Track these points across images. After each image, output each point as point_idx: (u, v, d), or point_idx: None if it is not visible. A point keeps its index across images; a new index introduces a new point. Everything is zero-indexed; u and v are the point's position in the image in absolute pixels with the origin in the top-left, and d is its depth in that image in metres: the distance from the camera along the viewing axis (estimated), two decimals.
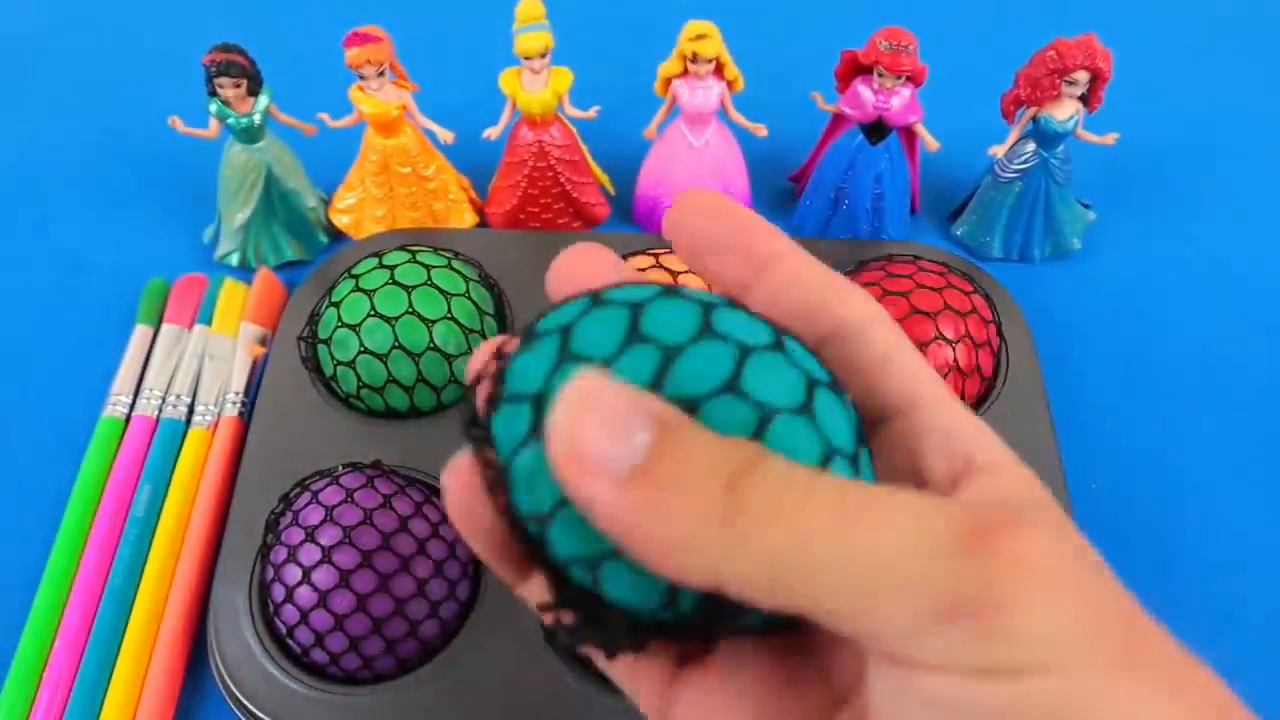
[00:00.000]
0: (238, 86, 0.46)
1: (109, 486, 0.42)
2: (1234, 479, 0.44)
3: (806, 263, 0.18)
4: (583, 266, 0.19)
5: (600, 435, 0.13)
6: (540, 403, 0.15)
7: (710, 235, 0.18)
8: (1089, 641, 0.12)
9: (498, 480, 0.16)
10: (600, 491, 0.13)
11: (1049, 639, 0.12)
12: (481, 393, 0.16)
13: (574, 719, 0.35)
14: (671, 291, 0.16)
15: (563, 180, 0.51)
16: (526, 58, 0.46)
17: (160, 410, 0.45)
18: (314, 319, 0.45)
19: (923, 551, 0.13)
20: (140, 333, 0.47)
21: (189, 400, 0.45)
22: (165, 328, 0.47)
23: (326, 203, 0.53)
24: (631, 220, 0.55)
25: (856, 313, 0.17)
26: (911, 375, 0.17)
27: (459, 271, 0.44)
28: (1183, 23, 0.66)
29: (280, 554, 0.36)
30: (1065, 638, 0.12)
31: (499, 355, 0.17)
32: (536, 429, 0.15)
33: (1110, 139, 0.49)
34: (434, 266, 0.43)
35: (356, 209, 0.52)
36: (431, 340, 0.41)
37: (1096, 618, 0.13)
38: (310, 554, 0.35)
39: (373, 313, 0.41)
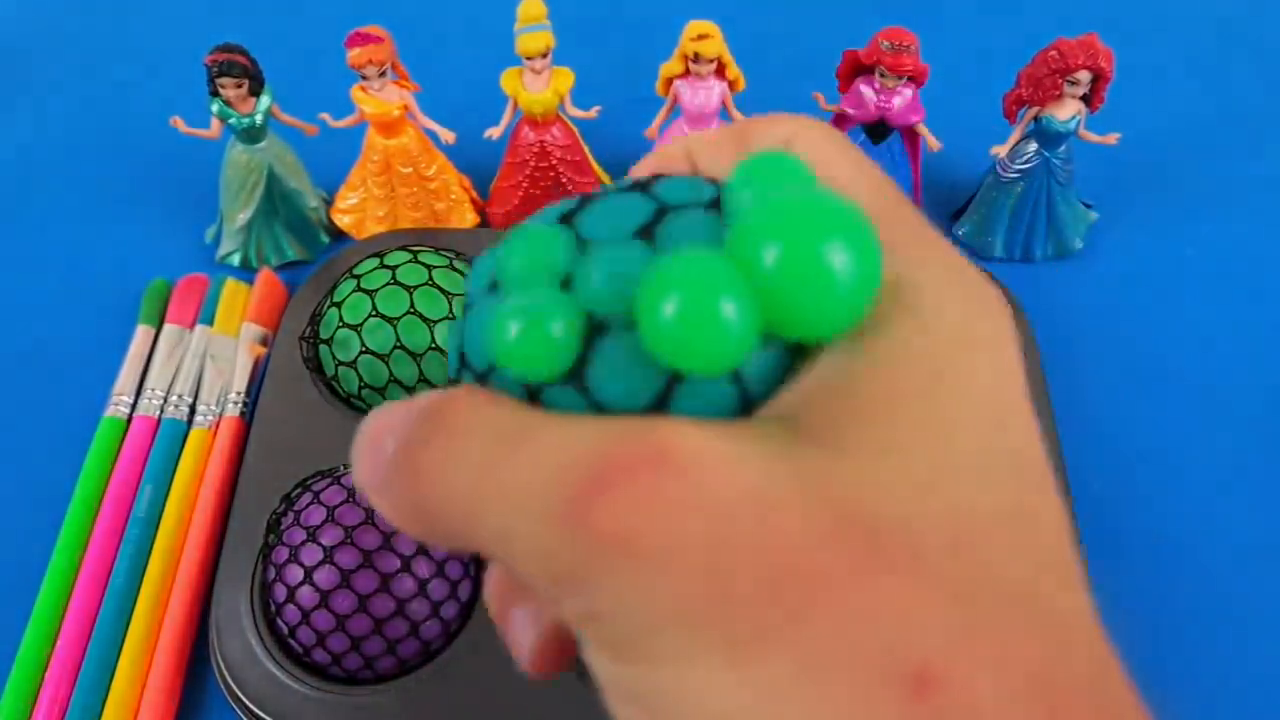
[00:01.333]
0: (239, 87, 0.46)
1: (110, 487, 0.42)
2: (1236, 479, 0.44)
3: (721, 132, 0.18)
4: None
5: (360, 459, 0.15)
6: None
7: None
8: (691, 625, 0.11)
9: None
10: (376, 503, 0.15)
11: (648, 628, 0.11)
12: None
13: None
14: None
15: (564, 180, 0.51)
16: (528, 57, 0.46)
17: (162, 410, 0.45)
18: (315, 319, 0.45)
19: (535, 511, 0.12)
20: (142, 333, 0.47)
21: (190, 400, 0.45)
22: (167, 328, 0.47)
23: (328, 203, 0.53)
24: None
25: (775, 139, 0.17)
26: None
27: (460, 272, 0.44)
28: (1185, 22, 0.66)
29: (282, 554, 0.36)
30: (664, 624, 0.11)
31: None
32: None
33: (1112, 139, 0.49)
34: (435, 267, 0.43)
35: (358, 209, 0.52)
36: (433, 340, 0.41)
37: (702, 590, 0.11)
38: (312, 554, 0.35)
39: (374, 313, 0.41)
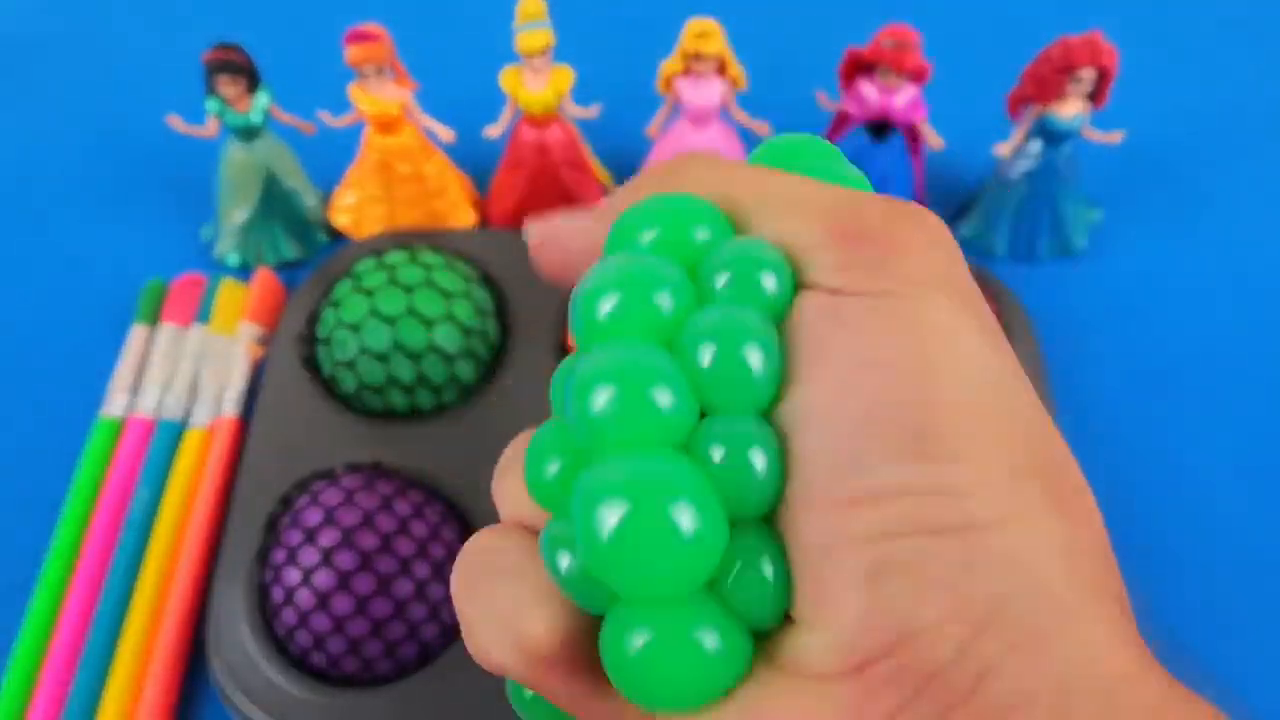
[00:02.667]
0: (236, 84, 0.45)
1: (106, 488, 0.42)
2: (1240, 480, 0.44)
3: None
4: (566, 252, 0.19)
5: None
6: None
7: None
8: (957, 293, 0.14)
9: None
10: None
11: (928, 278, 0.14)
12: None
13: None
14: None
15: (564, 179, 0.51)
16: (528, 56, 0.46)
17: (158, 411, 0.44)
18: (313, 319, 0.44)
19: (823, 193, 0.15)
20: (138, 332, 0.47)
21: (187, 401, 0.45)
22: (163, 327, 0.47)
23: (326, 202, 0.53)
24: None
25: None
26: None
27: (459, 271, 0.44)
28: (1189, 20, 0.66)
29: (280, 556, 0.36)
30: (939, 282, 0.14)
31: None
32: None
33: (1116, 137, 0.48)
34: (434, 266, 0.43)
35: (356, 208, 0.51)
36: (431, 340, 0.41)
37: (967, 280, 0.15)
38: (310, 556, 0.35)
39: (372, 313, 0.41)
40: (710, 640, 0.13)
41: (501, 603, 0.15)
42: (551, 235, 0.18)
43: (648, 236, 0.15)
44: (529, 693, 0.16)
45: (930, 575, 0.12)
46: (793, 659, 0.13)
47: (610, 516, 0.12)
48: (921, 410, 0.13)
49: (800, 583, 0.13)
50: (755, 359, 0.14)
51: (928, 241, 0.15)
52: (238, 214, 0.50)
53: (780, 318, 0.15)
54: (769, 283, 0.14)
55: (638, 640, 0.13)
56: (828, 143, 0.17)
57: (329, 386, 0.43)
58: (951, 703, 0.12)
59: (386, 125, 0.48)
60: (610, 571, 0.13)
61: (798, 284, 0.15)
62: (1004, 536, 0.12)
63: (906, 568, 0.12)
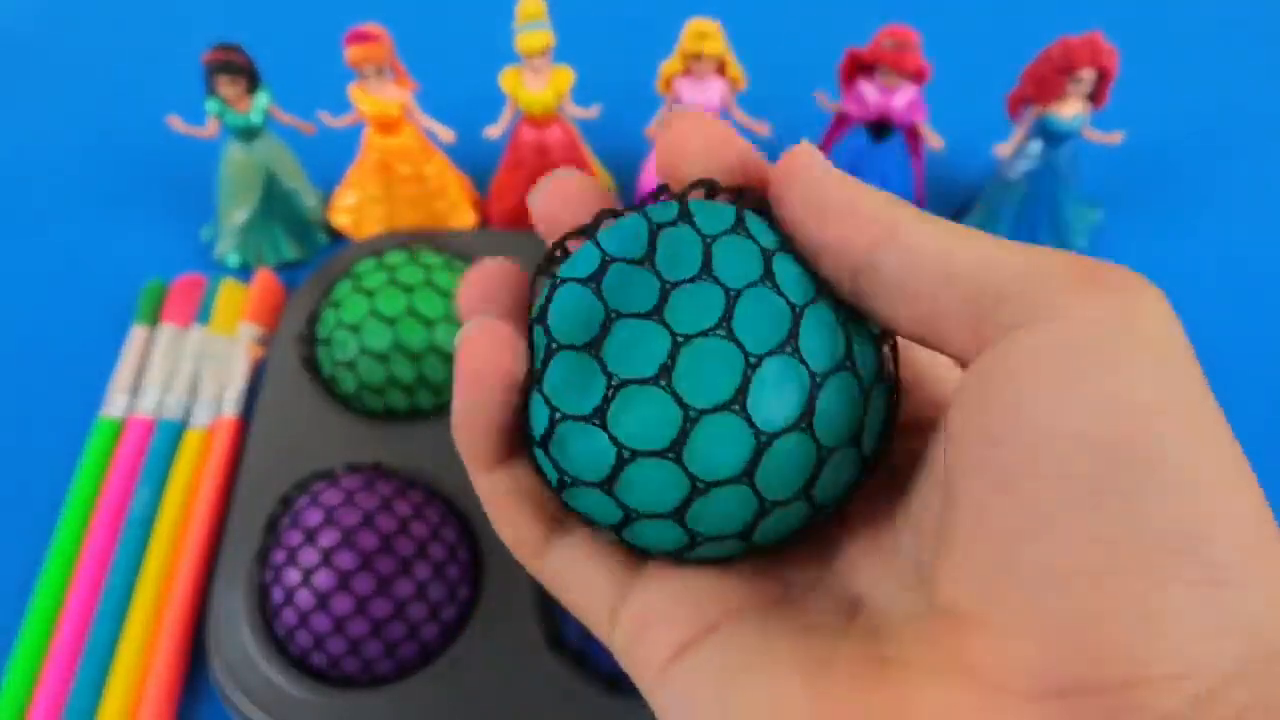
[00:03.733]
0: (236, 85, 0.45)
1: (106, 488, 0.42)
2: None
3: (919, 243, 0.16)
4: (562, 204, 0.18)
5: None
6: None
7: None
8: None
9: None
10: None
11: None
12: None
13: None
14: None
15: None
16: (527, 56, 0.46)
17: (158, 411, 0.44)
18: (313, 319, 0.44)
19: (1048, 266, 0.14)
20: (138, 333, 0.47)
21: (187, 401, 0.45)
22: (164, 328, 0.47)
23: (326, 202, 0.52)
24: None
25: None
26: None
27: (459, 271, 0.44)
28: (1189, 20, 0.66)
29: (280, 556, 0.36)
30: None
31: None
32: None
33: (1116, 137, 0.48)
34: (434, 266, 0.43)
35: (356, 209, 0.51)
36: (431, 341, 0.41)
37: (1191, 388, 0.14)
38: (310, 556, 0.35)
39: (372, 313, 0.41)
40: None
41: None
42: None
43: None
44: None
45: (1179, 626, 0.12)
46: (977, 665, 0.13)
47: None
48: (1147, 447, 0.12)
49: (1011, 600, 0.13)
50: None
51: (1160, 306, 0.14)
52: (238, 214, 0.50)
53: None
54: None
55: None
56: None
57: (329, 387, 0.43)
58: None
59: (386, 126, 0.48)
60: None
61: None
62: (1255, 595, 0.12)
63: (1153, 613, 0.12)
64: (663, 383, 0.14)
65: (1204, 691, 0.11)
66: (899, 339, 0.17)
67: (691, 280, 0.15)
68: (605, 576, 0.17)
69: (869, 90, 0.47)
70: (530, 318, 0.16)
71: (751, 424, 0.14)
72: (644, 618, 0.16)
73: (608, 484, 0.15)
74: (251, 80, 0.46)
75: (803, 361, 0.15)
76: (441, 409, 0.42)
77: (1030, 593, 0.12)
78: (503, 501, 0.17)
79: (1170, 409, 0.13)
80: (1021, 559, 0.13)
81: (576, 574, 0.17)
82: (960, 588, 0.13)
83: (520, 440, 0.17)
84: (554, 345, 0.15)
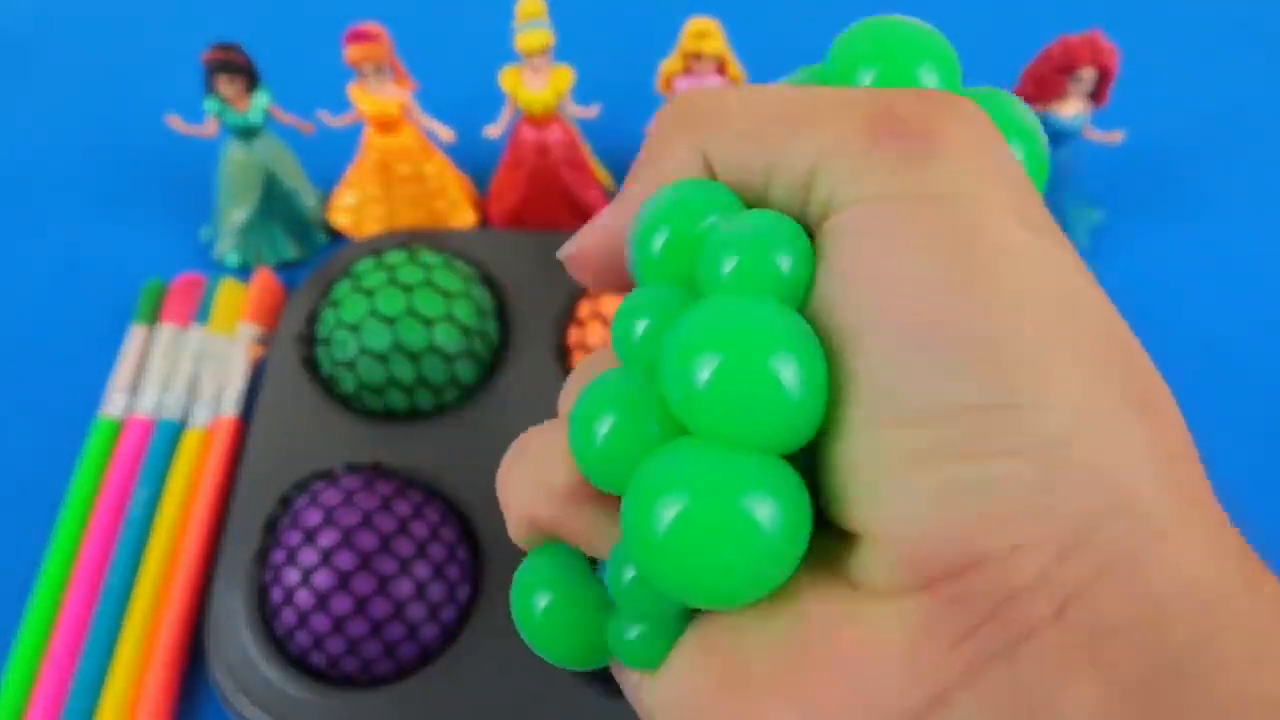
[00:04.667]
0: (235, 84, 0.45)
1: (105, 488, 0.42)
2: (1244, 479, 0.44)
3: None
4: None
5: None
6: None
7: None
8: (1002, 190, 0.13)
9: None
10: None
11: (970, 174, 0.13)
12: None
13: None
14: None
15: (564, 179, 0.51)
16: (527, 55, 0.46)
17: (157, 411, 0.44)
18: (313, 319, 0.44)
19: (867, 91, 0.14)
20: (137, 332, 0.47)
21: (186, 401, 0.45)
22: (163, 328, 0.47)
23: (325, 202, 0.52)
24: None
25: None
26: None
27: (459, 271, 0.44)
28: (1190, 19, 0.66)
29: (279, 556, 0.36)
30: (985, 180, 0.13)
31: None
32: None
33: (1117, 137, 0.48)
34: (434, 266, 0.43)
35: (356, 208, 0.51)
36: (431, 341, 0.41)
37: (1014, 177, 0.13)
38: (309, 556, 0.35)
39: (372, 313, 0.41)
40: (764, 511, 0.12)
41: (534, 457, 0.16)
42: (577, 247, 0.17)
43: (659, 241, 0.15)
44: (630, 632, 0.15)
45: (1006, 497, 0.11)
46: (852, 577, 0.13)
47: (706, 367, 0.12)
48: (977, 320, 0.12)
49: (856, 503, 0.12)
50: (785, 264, 0.13)
51: (971, 135, 0.13)
52: (237, 214, 0.49)
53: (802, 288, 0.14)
54: (784, 263, 0.13)
55: (669, 510, 0.12)
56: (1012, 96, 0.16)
57: (329, 387, 0.43)
58: (1030, 629, 0.11)
59: (386, 125, 0.48)
60: (701, 416, 0.12)
61: (833, 203, 0.13)
62: (1084, 449, 0.11)
63: (978, 489, 0.11)
64: None
65: (1050, 557, 0.11)
66: None
67: None
68: None
69: None
70: None
71: None
72: None
73: None
74: (251, 79, 0.46)
75: None
76: (441, 409, 0.42)
77: (874, 483, 0.12)
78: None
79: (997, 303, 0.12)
80: (851, 458, 0.13)
81: None
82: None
83: None
84: None
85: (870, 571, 0.12)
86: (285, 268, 0.51)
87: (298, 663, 0.36)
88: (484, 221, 0.53)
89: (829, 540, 0.13)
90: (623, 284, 0.16)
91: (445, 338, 0.41)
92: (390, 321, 0.41)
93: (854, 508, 0.13)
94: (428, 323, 0.41)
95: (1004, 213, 0.13)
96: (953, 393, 0.12)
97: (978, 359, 0.12)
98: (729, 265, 0.13)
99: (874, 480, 0.12)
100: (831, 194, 0.13)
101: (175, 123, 0.47)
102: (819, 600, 0.13)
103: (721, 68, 0.47)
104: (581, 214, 0.53)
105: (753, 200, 0.15)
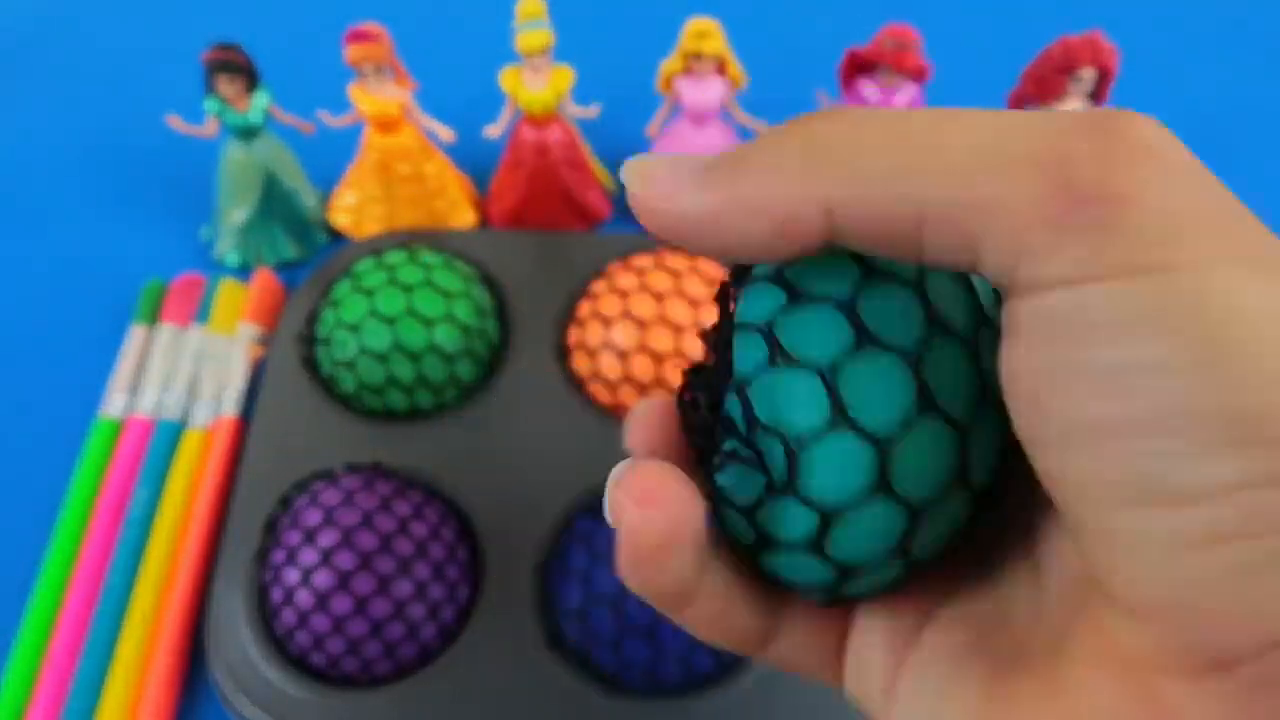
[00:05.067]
0: (235, 84, 0.45)
1: (105, 488, 0.42)
2: None
3: None
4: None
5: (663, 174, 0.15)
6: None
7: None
8: (1214, 236, 0.12)
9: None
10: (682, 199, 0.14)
11: (1173, 232, 0.11)
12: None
13: None
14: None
15: (564, 179, 0.51)
16: (527, 55, 0.46)
17: (157, 411, 0.44)
18: (313, 319, 0.44)
19: (1033, 132, 0.12)
20: (137, 332, 0.47)
21: (186, 401, 0.45)
22: (163, 327, 0.47)
23: (325, 202, 0.52)
24: (633, 219, 0.54)
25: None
26: None
27: (459, 271, 0.44)
28: (1189, 19, 0.66)
29: (279, 556, 0.36)
30: (1190, 230, 0.11)
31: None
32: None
33: None
34: (434, 266, 0.43)
35: (356, 208, 0.51)
36: (431, 341, 0.41)
37: (1220, 211, 0.12)
38: (309, 556, 0.35)
39: (372, 313, 0.41)
40: None
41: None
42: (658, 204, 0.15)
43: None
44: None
45: None
46: (1129, 647, 0.12)
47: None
48: (1233, 397, 0.11)
49: (1125, 581, 0.12)
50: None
51: (1158, 175, 0.12)
52: (237, 214, 0.49)
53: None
54: None
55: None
56: None
57: (328, 386, 0.43)
58: None
59: (386, 125, 0.48)
60: None
61: (1022, 280, 0.12)
62: None
63: (1270, 567, 0.11)
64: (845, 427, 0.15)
65: None
66: None
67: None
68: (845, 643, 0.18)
69: (869, 90, 0.47)
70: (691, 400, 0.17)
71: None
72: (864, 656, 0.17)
73: (818, 544, 0.15)
74: (251, 79, 0.46)
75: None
76: (441, 409, 0.42)
77: (1146, 563, 0.12)
78: (719, 611, 0.17)
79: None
80: (1131, 530, 0.12)
81: (811, 648, 0.18)
82: (1082, 570, 0.14)
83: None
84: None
85: (1134, 641, 0.12)
86: (285, 268, 0.51)
87: (298, 663, 0.36)
88: (484, 221, 0.53)
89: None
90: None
91: (445, 338, 0.41)
92: (390, 321, 0.41)
93: (1122, 585, 0.12)
94: (428, 323, 0.41)
95: (1223, 264, 0.11)
96: (1221, 474, 0.11)
97: (1241, 437, 0.11)
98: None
99: (1144, 558, 0.12)
100: (1017, 267, 0.12)
101: (175, 123, 0.47)
102: (1088, 665, 0.13)
103: (721, 68, 0.47)
104: (581, 214, 0.53)
105: (888, 244, 0.13)
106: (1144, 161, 0.12)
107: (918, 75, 0.46)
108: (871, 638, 0.17)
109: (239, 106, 0.46)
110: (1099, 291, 0.11)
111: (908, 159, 0.13)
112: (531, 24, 0.45)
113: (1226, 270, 0.11)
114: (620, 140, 0.54)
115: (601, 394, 0.42)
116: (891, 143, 0.13)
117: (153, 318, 0.48)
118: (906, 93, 0.47)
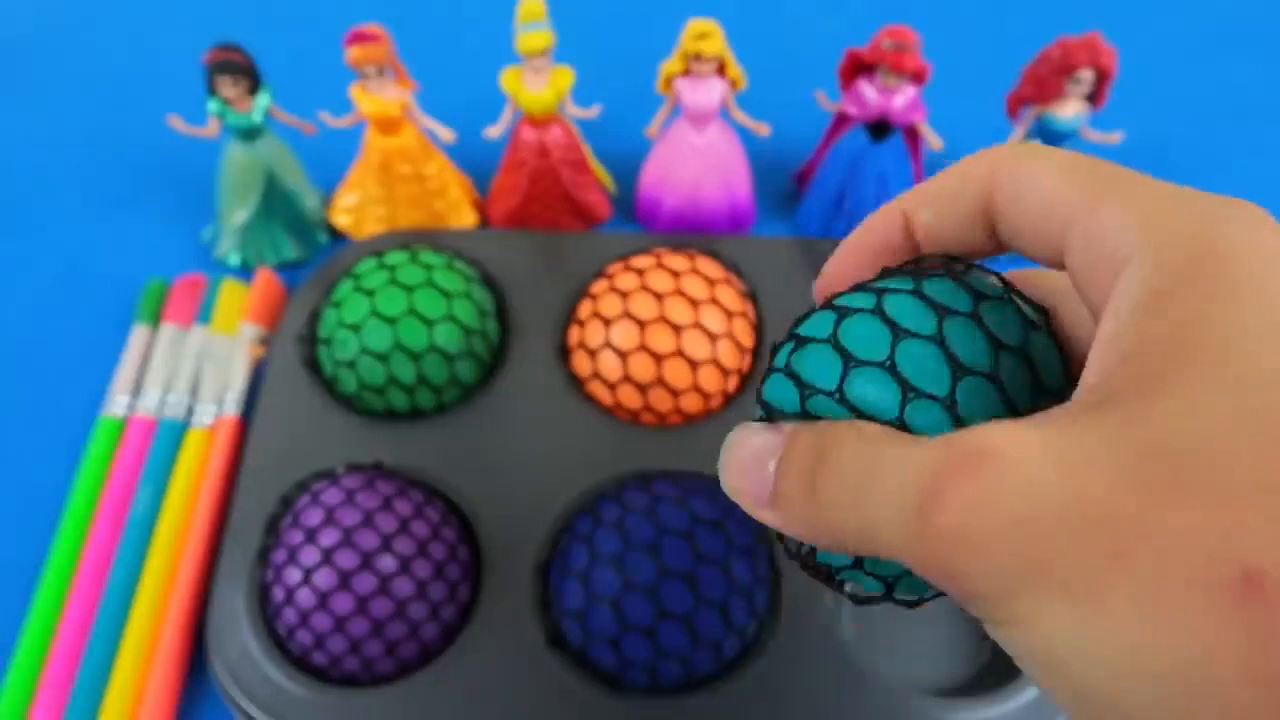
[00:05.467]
0: (237, 85, 0.45)
1: (108, 487, 0.42)
2: None
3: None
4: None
5: (743, 476, 0.18)
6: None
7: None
8: (1032, 587, 0.13)
9: None
10: (759, 514, 0.18)
11: (1002, 596, 0.13)
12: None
13: None
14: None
15: (564, 179, 0.51)
16: (528, 56, 0.46)
17: (160, 411, 0.44)
18: (314, 319, 0.44)
19: (895, 520, 0.15)
20: (139, 333, 0.47)
21: (188, 401, 0.45)
22: (165, 328, 0.47)
23: (326, 202, 0.53)
24: (633, 219, 0.54)
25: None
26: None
27: (460, 271, 0.44)
28: (1188, 20, 0.66)
29: (280, 555, 0.36)
30: (1011, 591, 0.13)
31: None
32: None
33: (1115, 138, 0.49)
34: (434, 266, 0.43)
35: (357, 209, 0.51)
36: (432, 341, 0.41)
37: (1031, 559, 0.13)
38: (310, 555, 0.35)
39: (373, 313, 0.41)
40: None
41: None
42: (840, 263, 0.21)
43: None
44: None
45: None
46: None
47: None
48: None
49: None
50: None
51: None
52: (238, 214, 0.50)
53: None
54: None
55: None
56: None
57: (330, 386, 0.43)
58: None
59: (387, 126, 0.48)
60: None
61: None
62: None
63: None
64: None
65: None
66: None
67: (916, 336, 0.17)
68: None
69: (868, 90, 0.47)
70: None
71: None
72: None
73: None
74: (252, 80, 0.46)
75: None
76: (442, 409, 0.43)
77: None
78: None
79: None
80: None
81: None
82: None
83: None
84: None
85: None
86: (286, 268, 0.52)
87: (299, 662, 0.36)
88: (484, 222, 0.53)
89: None
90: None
91: (446, 338, 0.42)
92: (391, 321, 0.41)
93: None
94: (428, 323, 0.41)
95: (1041, 605, 0.13)
96: None
97: None
98: None
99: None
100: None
101: (177, 123, 0.48)
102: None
103: (721, 69, 0.47)
104: (581, 215, 0.53)
105: (1037, 253, 0.18)
106: (962, 553, 0.14)
107: (917, 76, 0.47)
108: None
109: (241, 107, 0.46)
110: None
111: (1061, 192, 0.18)
112: (532, 25, 0.45)
113: (1043, 620, 0.13)
114: (621, 141, 0.54)
115: (601, 394, 0.42)
116: (1053, 173, 0.18)
117: (155, 318, 0.48)
118: (906, 94, 0.47)
